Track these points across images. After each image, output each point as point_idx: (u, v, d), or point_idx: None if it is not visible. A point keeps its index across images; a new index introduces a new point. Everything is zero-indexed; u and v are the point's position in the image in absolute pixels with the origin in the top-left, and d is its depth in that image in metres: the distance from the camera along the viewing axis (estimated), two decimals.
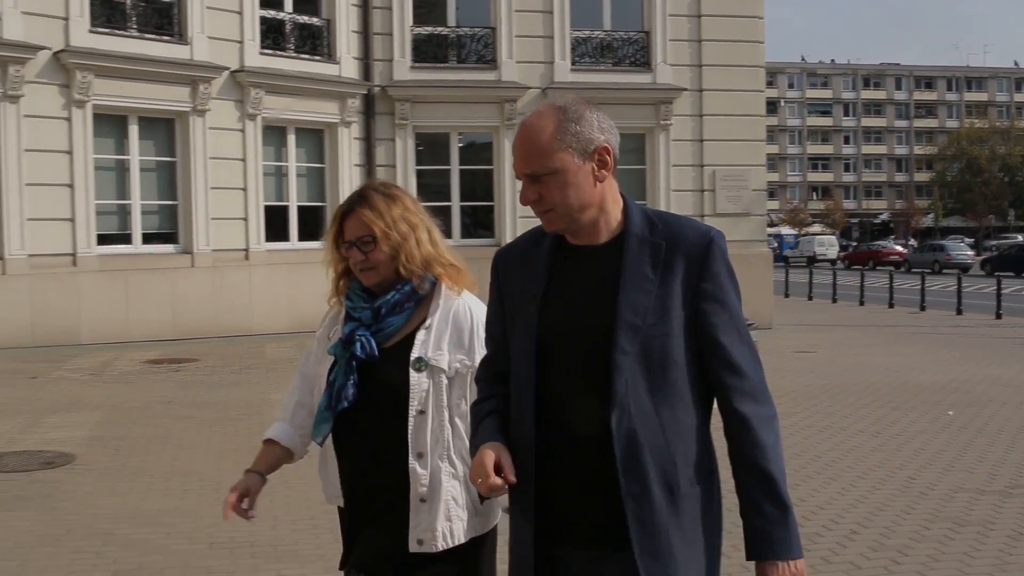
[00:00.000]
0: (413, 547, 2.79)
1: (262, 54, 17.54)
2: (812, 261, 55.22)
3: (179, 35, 16.69)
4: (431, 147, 19.63)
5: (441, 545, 2.80)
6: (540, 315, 2.41)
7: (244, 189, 17.22)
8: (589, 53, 20.05)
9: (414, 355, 2.86)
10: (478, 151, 19.89)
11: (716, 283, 2.37)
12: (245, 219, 17.24)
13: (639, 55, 20.17)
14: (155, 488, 6.90)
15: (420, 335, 2.89)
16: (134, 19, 16.33)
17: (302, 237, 18.22)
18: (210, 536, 5.76)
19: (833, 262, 57.51)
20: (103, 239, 15.93)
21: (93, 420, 9.34)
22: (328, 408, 2.88)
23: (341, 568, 2.91)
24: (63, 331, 15.13)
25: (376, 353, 2.87)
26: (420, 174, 19.34)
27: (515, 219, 19.22)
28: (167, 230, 16.79)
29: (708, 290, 2.37)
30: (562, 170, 2.34)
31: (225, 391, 11.15)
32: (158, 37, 16.50)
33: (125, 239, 16.34)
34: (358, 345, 2.87)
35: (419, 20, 19.40)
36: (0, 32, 14.78)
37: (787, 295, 28.89)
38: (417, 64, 19.27)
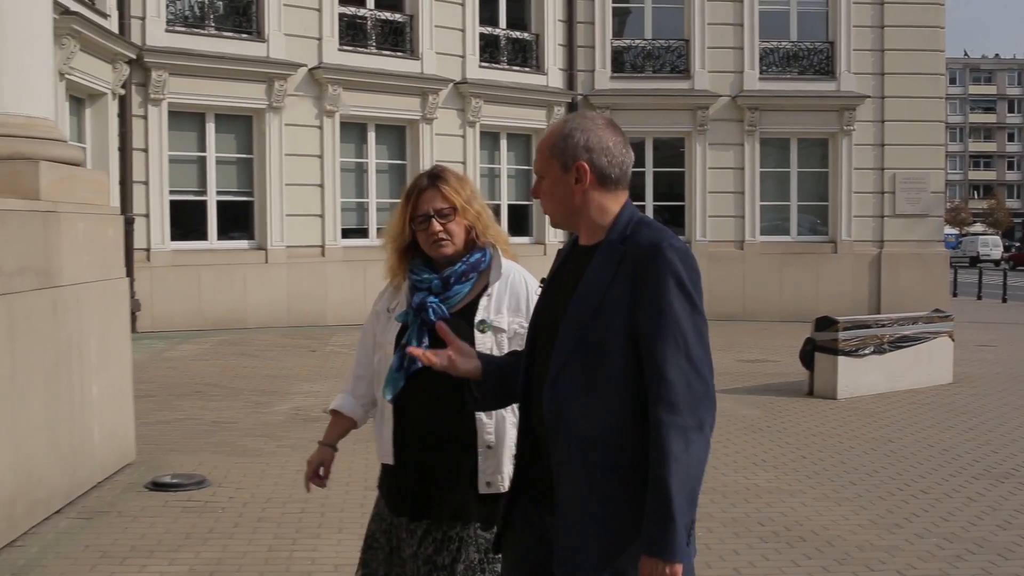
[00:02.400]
0: (483, 488, 3.11)
1: (481, 67, 19.41)
2: (975, 262, 54.41)
3: (411, 51, 18.70)
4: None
5: (506, 485, 3.04)
6: (538, 304, 2.81)
7: None
8: (776, 63, 21.29)
9: (478, 318, 3.13)
10: (671, 155, 21.33)
11: (656, 291, 2.49)
12: None
13: (823, 64, 21.31)
14: None
15: (483, 301, 3.16)
16: (374, 38, 18.41)
17: (513, 233, 20.03)
18: None
19: (997, 263, 56.66)
20: (346, 233, 18.04)
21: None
22: (399, 369, 3.13)
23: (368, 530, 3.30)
24: (313, 313, 17.27)
25: (448, 316, 3.12)
26: None
27: (704, 218, 20.71)
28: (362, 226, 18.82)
29: (647, 297, 2.50)
30: (549, 177, 2.66)
31: None
32: (393, 53, 18.55)
33: (363, 233, 18.43)
34: (430, 311, 3.11)
35: (618, 33, 20.98)
36: (268, 52, 17.01)
37: (955, 295, 29.40)
38: (616, 74, 20.85)
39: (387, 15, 18.65)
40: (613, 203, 2.65)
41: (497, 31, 19.98)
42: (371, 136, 18.52)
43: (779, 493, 6.98)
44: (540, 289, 2.87)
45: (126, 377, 7.25)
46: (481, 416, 3.10)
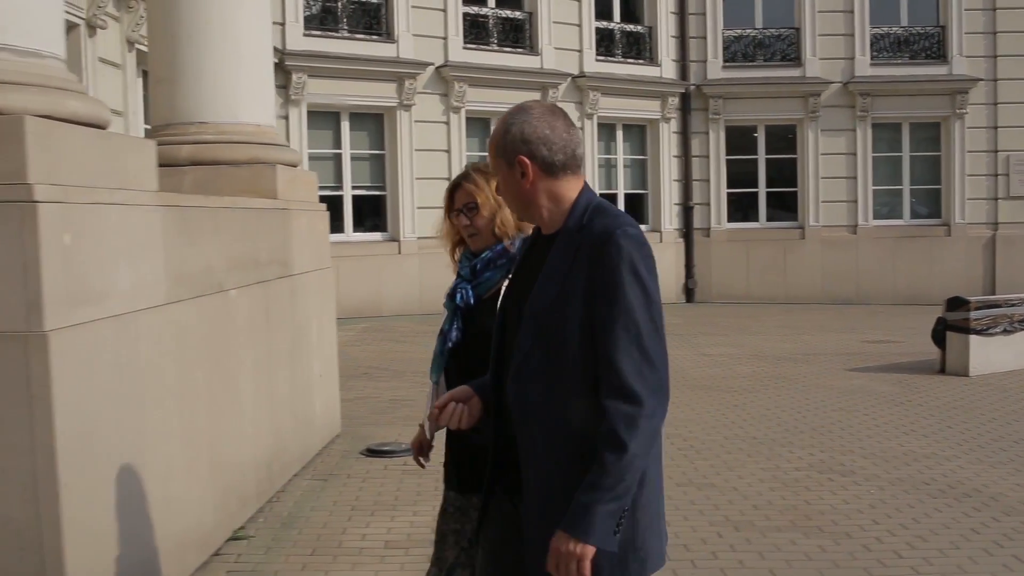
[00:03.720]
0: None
1: (597, 60, 20.02)
2: None
3: (530, 48, 19.40)
4: (740, 138, 21.59)
5: None
6: (505, 293, 2.82)
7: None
8: (887, 48, 21.51)
9: (500, 303, 3.11)
10: (783, 141, 21.70)
11: (608, 279, 2.47)
12: None
13: (935, 48, 21.47)
14: None
15: (506, 286, 3.19)
16: (495, 36, 19.14)
17: None
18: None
19: None
20: None
21: None
22: (442, 353, 3.33)
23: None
24: (440, 300, 18.06)
25: (471, 301, 3.28)
26: (730, 163, 21.36)
27: (817, 203, 21.05)
28: None
29: (599, 285, 2.49)
30: (499, 175, 2.71)
31: None
32: (513, 50, 19.27)
33: None
34: (458, 295, 3.31)
35: (729, 23, 21.40)
36: (398, 52, 17.84)
37: None
38: (728, 63, 21.29)
39: (508, 13, 19.35)
40: (566, 190, 2.63)
41: (612, 25, 20.57)
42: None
43: (935, 458, 7.51)
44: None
45: (334, 357, 8.07)
46: None
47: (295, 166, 7.43)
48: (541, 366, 2.58)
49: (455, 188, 3.40)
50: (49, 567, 3.66)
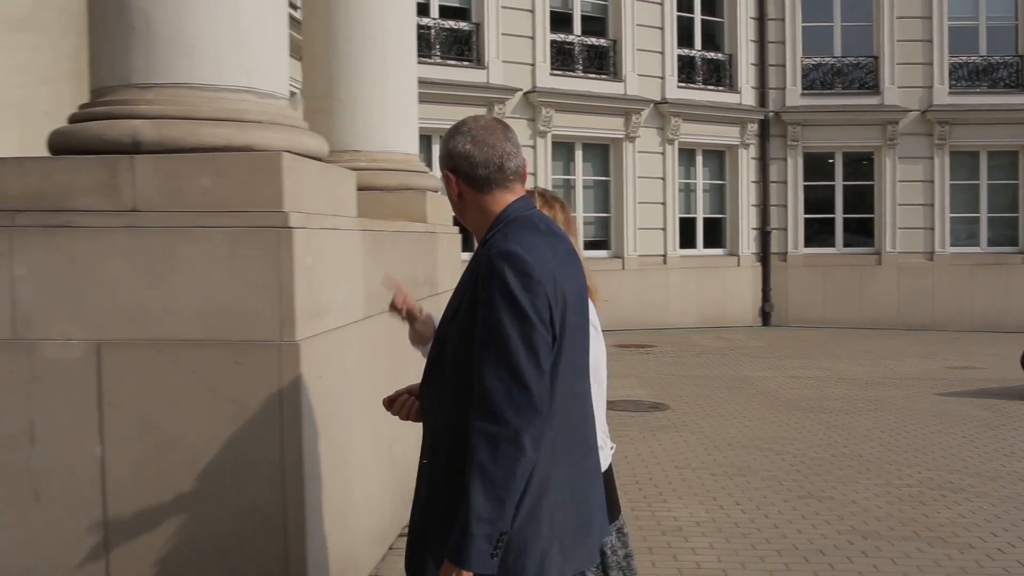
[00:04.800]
0: None
1: (679, 87, 20.46)
2: None
3: (614, 74, 19.88)
4: (817, 165, 21.89)
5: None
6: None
7: (663, 203, 20.22)
8: (966, 77, 21.72)
9: None
10: (860, 168, 21.97)
11: (485, 298, 2.49)
12: (663, 228, 20.21)
13: (1013, 77, 21.65)
14: (739, 424, 9.68)
15: None
16: (580, 62, 19.67)
17: (707, 244, 21.07)
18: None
19: None
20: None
21: (637, 383, 12.37)
22: None
23: None
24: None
25: None
26: (807, 189, 21.67)
27: (895, 230, 21.28)
28: (602, 238, 20.02)
29: (482, 304, 2.50)
30: (444, 183, 2.77)
31: (710, 368, 14.00)
32: (598, 76, 19.77)
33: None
34: None
35: (808, 52, 21.74)
36: (488, 78, 18.42)
37: None
38: (807, 91, 21.63)
39: (593, 40, 19.86)
40: (492, 204, 2.66)
41: (693, 52, 21.00)
42: (578, 154, 19.77)
43: None
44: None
45: None
46: None
47: (435, 191, 7.94)
48: (443, 377, 2.66)
49: None
50: (292, 549, 4.16)
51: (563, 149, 19.59)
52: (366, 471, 5.21)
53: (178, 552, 4.18)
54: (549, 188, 17.43)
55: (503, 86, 18.52)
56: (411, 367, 6.37)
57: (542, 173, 19.00)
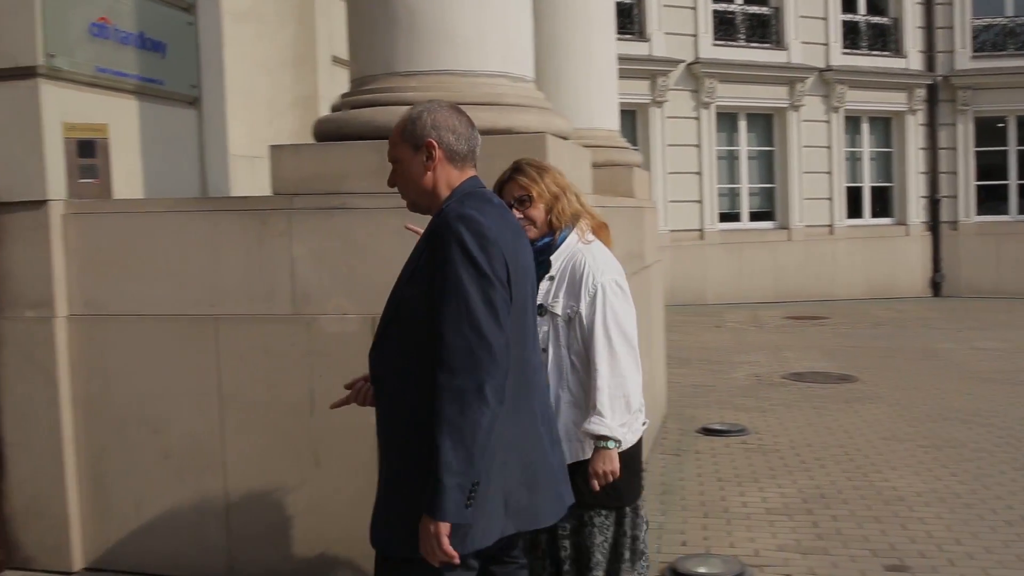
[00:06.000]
0: None
1: (843, 53, 20.07)
2: None
3: (777, 43, 19.62)
4: (989, 130, 21.17)
5: (567, 461, 3.22)
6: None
7: (829, 173, 19.89)
8: None
9: (538, 302, 3.23)
10: None
11: (441, 258, 2.58)
12: (830, 199, 19.90)
13: None
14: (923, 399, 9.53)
15: (544, 285, 3.36)
16: (743, 32, 19.47)
17: (875, 214, 20.67)
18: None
19: None
20: (722, 217, 19.27)
21: (819, 355, 12.31)
22: None
23: None
24: (694, 292, 18.56)
25: None
26: (978, 155, 21.00)
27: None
28: (767, 209, 19.85)
29: (437, 264, 2.59)
30: (400, 160, 2.83)
31: (890, 340, 13.81)
32: (761, 45, 19.55)
33: (736, 217, 19.58)
34: None
35: (978, 12, 21.01)
36: (651, 50, 18.41)
37: None
38: (977, 53, 20.92)
39: (755, 9, 19.63)
40: (457, 179, 2.81)
41: (858, 17, 20.55)
42: (742, 125, 19.60)
43: None
44: (614, 280, 3.33)
45: (662, 342, 8.70)
46: None
47: (638, 166, 8.08)
48: (397, 341, 2.73)
49: (503, 184, 3.50)
50: None
51: (726, 120, 19.45)
52: None
53: None
54: (705, 160, 17.33)
55: (665, 58, 18.48)
56: None
57: (706, 144, 18.93)
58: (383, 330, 2.80)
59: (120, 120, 5.25)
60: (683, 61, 18.72)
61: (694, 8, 18.85)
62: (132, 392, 4.80)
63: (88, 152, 4.95)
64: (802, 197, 19.63)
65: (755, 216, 19.75)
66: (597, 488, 3.38)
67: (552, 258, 3.40)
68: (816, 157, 19.81)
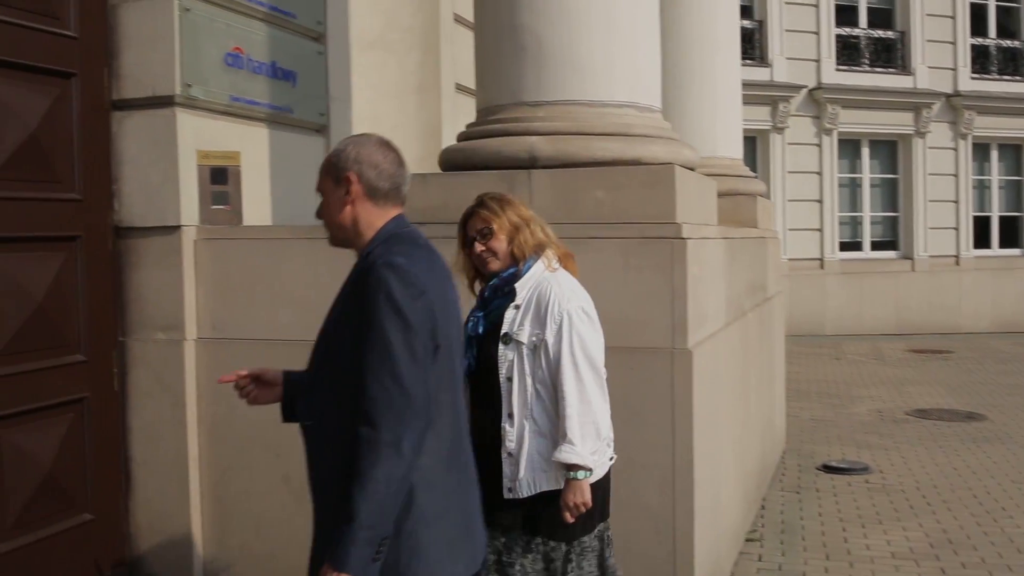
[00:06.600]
0: (505, 494, 3.30)
1: (972, 78, 19.49)
2: None
3: (902, 67, 19.16)
4: None
5: (527, 492, 3.29)
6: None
7: (955, 201, 19.31)
8: None
9: (503, 331, 3.32)
10: None
11: (368, 306, 2.53)
12: (956, 228, 19.31)
13: None
14: None
15: (509, 313, 3.35)
16: (867, 56, 19.07)
17: (1003, 244, 19.99)
18: None
19: None
20: (843, 246, 18.85)
21: (945, 391, 11.91)
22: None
23: None
24: (812, 322, 18.17)
25: (479, 331, 3.38)
26: None
27: None
28: (890, 238, 19.36)
29: (364, 312, 2.54)
30: (323, 192, 2.77)
31: (1020, 376, 13.28)
32: (885, 70, 19.11)
33: (857, 246, 19.14)
34: (470, 323, 3.36)
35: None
36: (772, 75, 18.16)
37: None
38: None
39: (879, 33, 19.21)
40: (379, 217, 2.72)
41: (988, 41, 19.94)
42: (865, 152, 19.18)
43: None
44: (580, 307, 3.27)
45: (782, 374, 8.52)
46: (504, 425, 3.30)
47: (762, 196, 7.94)
48: (327, 386, 2.67)
49: (467, 219, 3.48)
50: (680, 549, 4.29)
51: (849, 146, 19.05)
52: (727, 474, 5.29)
53: None
54: (826, 188, 17.00)
55: (787, 83, 18.21)
56: (753, 375, 6.42)
57: (827, 172, 18.57)
58: (313, 378, 2.76)
59: (251, 147, 5.36)
60: (805, 86, 18.41)
61: (817, 32, 18.55)
62: (256, 416, 4.84)
63: (220, 179, 5.06)
64: (927, 226, 19.08)
65: (877, 245, 19.28)
66: (571, 520, 3.32)
67: (517, 286, 3.38)
68: (942, 185, 19.25)
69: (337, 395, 2.62)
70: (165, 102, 4.87)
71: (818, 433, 9.40)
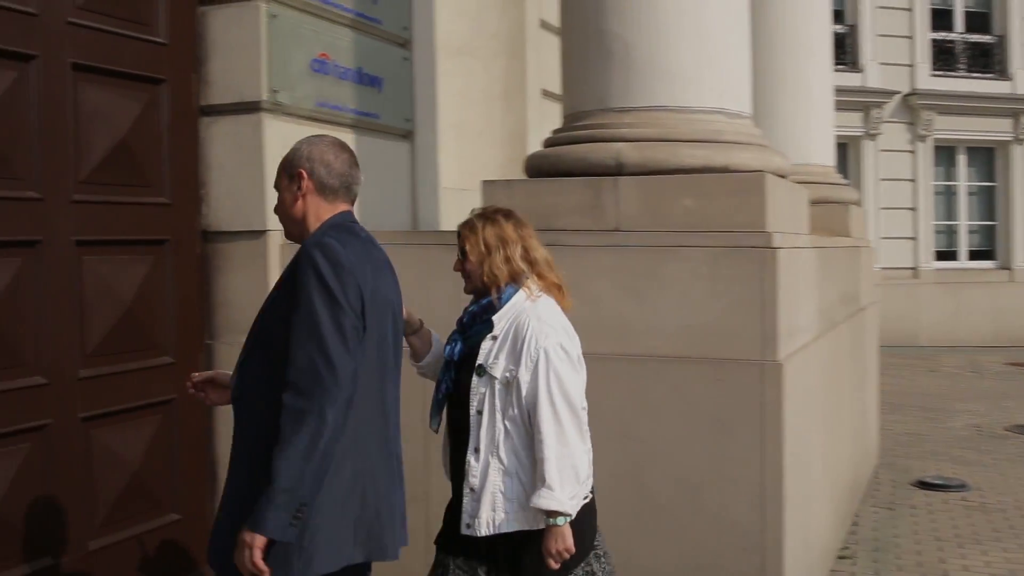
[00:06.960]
0: (463, 530, 3.11)
1: None
2: None
3: (1000, 72, 18.63)
4: None
5: (484, 531, 3.08)
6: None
7: None
8: None
9: (478, 361, 3.13)
10: None
11: (300, 283, 2.67)
12: None
13: None
14: None
15: (486, 344, 3.15)
16: (963, 61, 18.59)
17: None
18: None
19: None
20: (938, 255, 18.39)
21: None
22: (436, 402, 3.27)
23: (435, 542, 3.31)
24: (906, 333, 17.72)
25: (455, 356, 3.23)
26: None
27: None
28: (987, 248, 18.83)
29: (297, 291, 2.69)
30: (278, 187, 2.94)
31: None
32: (983, 75, 18.60)
33: (953, 255, 18.65)
34: (447, 348, 3.26)
35: None
36: (864, 81, 17.80)
37: None
38: None
39: (976, 37, 18.71)
40: (327, 212, 2.88)
41: None
42: (961, 159, 18.69)
43: None
44: (559, 343, 3.03)
45: (876, 387, 8.30)
46: (470, 459, 3.10)
47: (855, 204, 7.74)
48: (259, 362, 2.79)
49: (457, 236, 3.33)
50: (769, 566, 4.17)
51: (944, 153, 18.59)
52: (819, 488, 5.14)
53: (653, 561, 4.30)
54: (921, 195, 16.58)
55: (880, 89, 17.83)
56: (845, 387, 6.24)
57: (922, 179, 18.14)
58: (247, 353, 2.88)
59: None
60: (898, 92, 18.03)
61: (911, 37, 18.14)
62: None
63: None
64: None
65: (974, 255, 18.77)
66: (555, 566, 3.10)
67: (495, 318, 3.16)
68: None
69: (268, 371, 2.74)
70: (252, 108, 4.90)
71: (913, 447, 9.13)
